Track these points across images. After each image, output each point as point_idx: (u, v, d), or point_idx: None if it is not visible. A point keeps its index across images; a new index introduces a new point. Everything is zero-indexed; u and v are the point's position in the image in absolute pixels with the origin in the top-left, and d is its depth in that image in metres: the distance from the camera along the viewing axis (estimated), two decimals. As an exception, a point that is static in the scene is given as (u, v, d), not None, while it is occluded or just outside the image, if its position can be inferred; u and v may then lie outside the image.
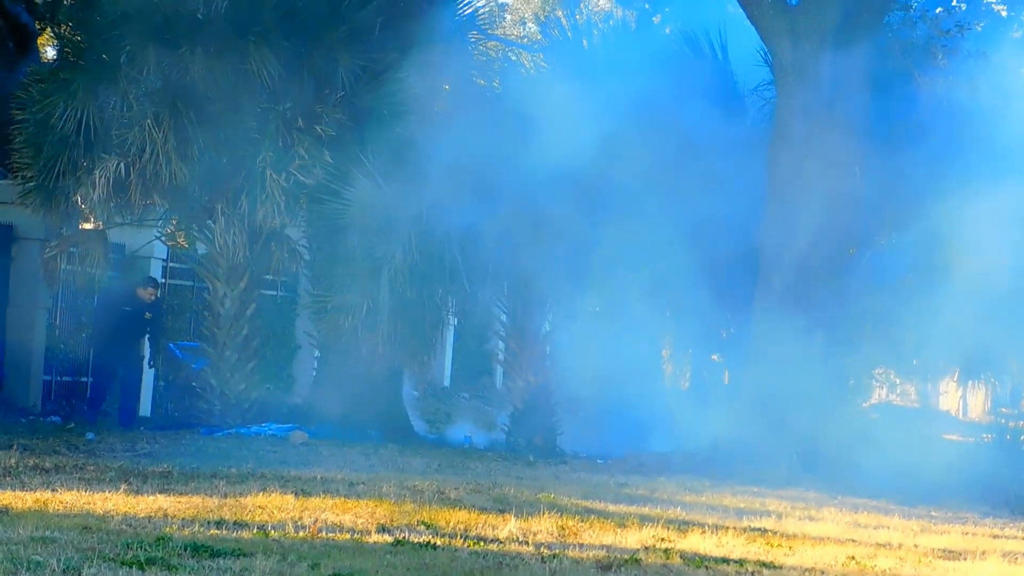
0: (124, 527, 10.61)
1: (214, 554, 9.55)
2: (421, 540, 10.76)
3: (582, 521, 12.34)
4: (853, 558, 11.33)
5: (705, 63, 21.90)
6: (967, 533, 13.82)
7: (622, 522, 12.42)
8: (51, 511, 11.25)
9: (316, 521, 11.29)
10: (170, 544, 9.77)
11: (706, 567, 10.53)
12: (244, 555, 9.58)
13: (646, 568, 10.28)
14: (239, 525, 11.03)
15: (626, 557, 10.55)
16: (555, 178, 19.71)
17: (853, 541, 12.49)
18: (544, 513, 12.53)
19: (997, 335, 19.69)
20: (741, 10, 20.16)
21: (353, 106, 20.63)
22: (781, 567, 10.84)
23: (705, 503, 14.94)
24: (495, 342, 26.36)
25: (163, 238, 22.85)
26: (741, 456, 18.43)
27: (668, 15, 26.47)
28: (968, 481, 17.28)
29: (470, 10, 23.47)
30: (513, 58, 25.93)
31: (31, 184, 20.55)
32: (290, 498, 12.59)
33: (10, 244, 21.84)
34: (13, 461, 14.59)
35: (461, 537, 11.10)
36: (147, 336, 21.59)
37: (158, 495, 12.48)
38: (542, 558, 10.36)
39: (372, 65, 20.89)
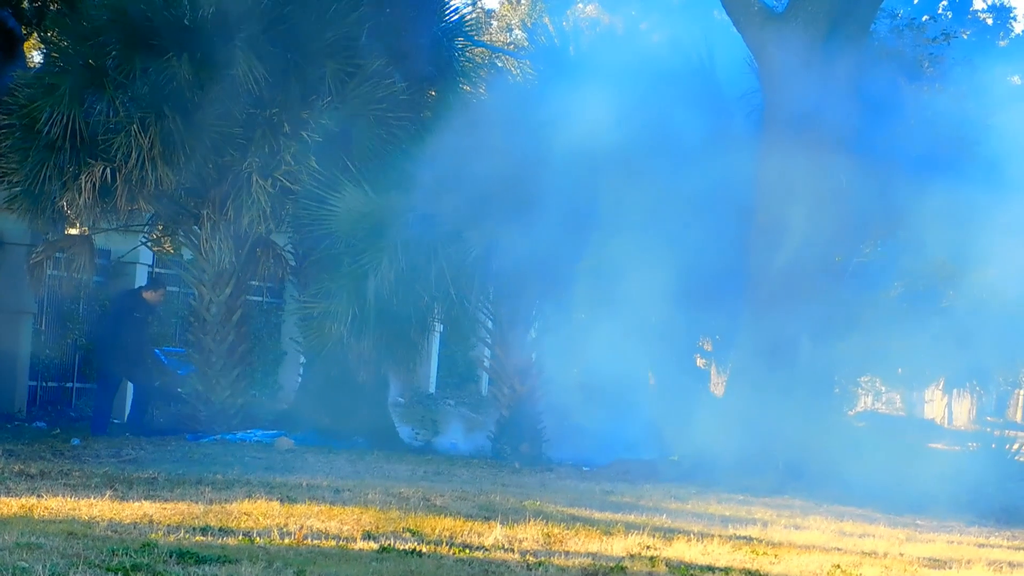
0: (110, 533, 10.59)
1: (199, 560, 9.55)
2: (407, 547, 10.75)
3: (568, 528, 12.33)
4: (839, 566, 11.33)
5: (692, 70, 21.87)
6: (952, 542, 13.83)
7: (608, 530, 12.42)
8: (36, 517, 11.22)
9: (302, 528, 11.27)
10: (155, 550, 9.76)
11: (692, 575, 10.55)
12: (230, 561, 9.58)
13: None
14: (225, 532, 11.02)
15: (612, 565, 10.56)
16: (542, 185, 19.71)
17: (839, 549, 12.49)
18: (530, 520, 12.53)
19: (983, 343, 19.70)
20: (728, 18, 20.19)
21: (340, 112, 20.62)
22: (767, 575, 10.86)
23: (691, 511, 14.95)
24: (481, 349, 26.34)
25: (149, 244, 22.82)
26: (727, 464, 18.43)
27: (655, 22, 26.52)
28: (954, 490, 17.27)
29: (456, 17, 23.55)
30: (500, 65, 25.97)
31: (17, 189, 20.52)
32: (276, 505, 12.57)
33: (-4, 249, 21.85)
34: (-2, 467, 14.59)
35: (447, 544, 11.10)
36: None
37: (144, 501, 12.46)
38: (528, 565, 10.37)
39: (359, 71, 20.87)
